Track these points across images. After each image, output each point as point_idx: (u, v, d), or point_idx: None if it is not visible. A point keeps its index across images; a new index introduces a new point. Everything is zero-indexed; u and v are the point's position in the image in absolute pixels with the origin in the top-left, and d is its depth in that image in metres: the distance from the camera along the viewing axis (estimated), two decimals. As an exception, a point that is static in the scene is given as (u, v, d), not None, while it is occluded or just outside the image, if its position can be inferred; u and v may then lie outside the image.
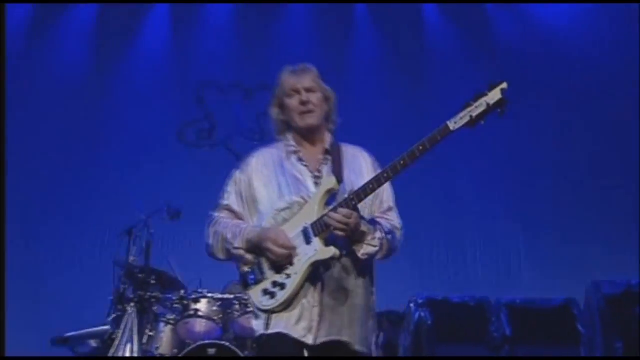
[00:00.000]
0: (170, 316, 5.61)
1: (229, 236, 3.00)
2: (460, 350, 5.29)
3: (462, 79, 7.55)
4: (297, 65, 3.15)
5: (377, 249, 2.91)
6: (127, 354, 5.06)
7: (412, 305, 5.47)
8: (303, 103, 3.02)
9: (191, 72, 8.56)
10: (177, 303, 5.48)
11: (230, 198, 3.12)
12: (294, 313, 2.88)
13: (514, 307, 5.41)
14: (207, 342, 5.26)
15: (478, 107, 2.76)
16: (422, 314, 5.40)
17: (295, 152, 3.07)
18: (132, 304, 5.28)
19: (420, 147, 2.81)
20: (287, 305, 2.89)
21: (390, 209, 3.08)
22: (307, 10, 8.53)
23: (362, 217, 2.89)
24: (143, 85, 8.27)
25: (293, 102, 3.06)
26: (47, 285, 6.87)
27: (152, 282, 5.46)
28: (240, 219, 3.08)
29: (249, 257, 2.97)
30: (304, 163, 3.05)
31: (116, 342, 5.07)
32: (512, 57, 7.55)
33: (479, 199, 7.11)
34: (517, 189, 7.11)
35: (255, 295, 2.96)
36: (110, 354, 5.05)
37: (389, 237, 2.96)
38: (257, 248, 2.94)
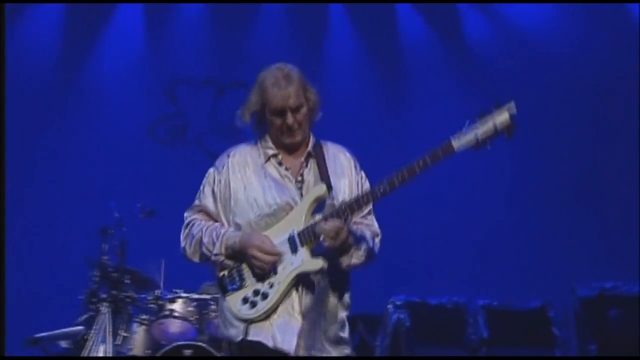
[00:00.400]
0: (144, 317, 5.50)
1: (206, 240, 2.88)
2: (439, 353, 5.32)
3: (438, 78, 7.59)
4: (279, 69, 2.93)
5: (362, 260, 2.86)
6: (101, 355, 4.95)
7: (390, 307, 5.48)
8: (289, 127, 2.87)
9: (164, 68, 8.43)
10: (152, 303, 5.38)
11: (206, 199, 2.99)
12: (276, 323, 2.79)
13: (491, 309, 5.46)
14: (183, 343, 5.16)
15: (484, 128, 2.65)
16: (401, 316, 5.42)
17: (274, 156, 2.95)
18: (106, 304, 5.16)
19: (421, 163, 2.71)
20: (268, 315, 2.79)
21: (370, 213, 2.99)
22: (282, 9, 8.48)
23: (350, 230, 2.82)
24: (115, 81, 8.11)
25: (277, 121, 2.89)
26: (16, 285, 6.69)
27: (127, 282, 5.34)
28: (216, 220, 2.96)
29: (229, 262, 2.87)
30: (285, 167, 2.94)
31: (89, 343, 4.95)
32: (486, 56, 7.61)
33: (458, 201, 7.13)
34: (493, 192, 7.15)
35: (234, 302, 2.84)
36: (83, 355, 4.92)
37: (371, 245, 2.90)
38: (239, 254, 2.83)
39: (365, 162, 3.10)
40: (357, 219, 2.93)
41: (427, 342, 5.37)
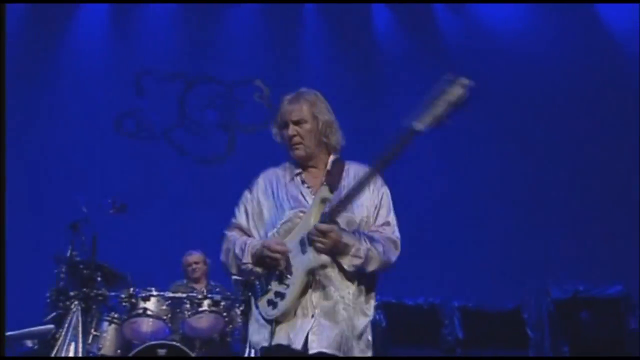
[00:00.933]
0: (115, 315, 5.36)
1: (237, 252, 3.09)
2: (414, 353, 5.32)
3: (411, 75, 7.62)
4: (298, 91, 3.21)
5: (362, 260, 2.93)
6: (71, 354, 4.79)
7: (366, 307, 5.42)
8: (289, 137, 3.11)
9: (130, 61, 8.24)
10: (125, 301, 5.23)
11: (240, 216, 3.21)
12: (292, 323, 2.92)
13: (466, 310, 5.48)
14: (156, 342, 5.05)
15: (442, 105, 2.74)
16: (377, 317, 5.39)
17: (298, 174, 3.16)
18: (76, 302, 4.99)
19: (390, 153, 2.86)
20: (287, 314, 2.92)
21: (386, 224, 3.09)
22: (255, 8, 8.38)
23: (344, 230, 2.93)
24: (80, 74, 7.92)
25: (285, 133, 3.16)
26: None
27: (98, 278, 5.18)
28: (249, 235, 3.17)
29: (258, 270, 3.04)
30: (307, 185, 3.14)
31: (59, 342, 4.78)
32: (458, 54, 7.67)
33: (434, 203, 7.16)
34: (469, 195, 7.21)
35: (262, 306, 3.01)
36: (52, 354, 4.75)
37: (378, 248, 2.97)
38: (260, 259, 3.02)
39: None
40: (372, 229, 3.05)
41: (402, 343, 5.37)
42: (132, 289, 5.28)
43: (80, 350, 4.82)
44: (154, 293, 5.33)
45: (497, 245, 6.91)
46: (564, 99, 7.36)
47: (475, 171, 7.26)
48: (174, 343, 5.07)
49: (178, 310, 5.42)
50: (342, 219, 2.94)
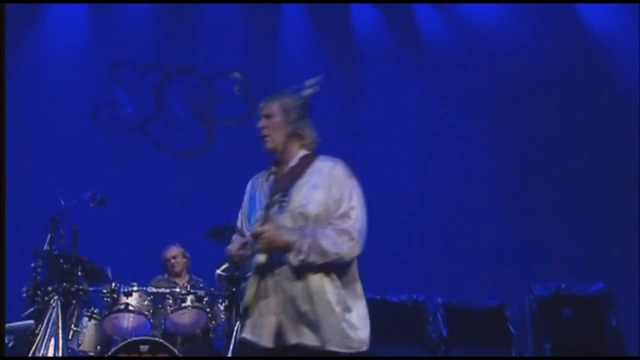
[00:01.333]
0: (94, 310, 5.24)
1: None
2: (398, 350, 5.30)
3: (392, 72, 7.61)
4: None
5: (304, 255, 3.01)
6: (50, 350, 4.68)
7: (350, 303, 5.39)
8: (259, 130, 3.28)
9: (108, 51, 8.08)
10: (107, 296, 5.12)
11: (238, 220, 3.39)
12: (254, 319, 3.08)
13: (450, 307, 5.48)
14: (139, 338, 4.96)
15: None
16: (360, 313, 5.34)
17: (273, 173, 3.29)
18: (56, 297, 4.87)
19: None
20: (249, 310, 3.07)
21: (345, 216, 3.11)
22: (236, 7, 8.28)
23: (286, 227, 3.05)
24: (58, 65, 7.75)
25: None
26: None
27: (79, 273, 5.06)
28: (244, 236, 3.31)
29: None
30: (278, 182, 3.24)
31: (38, 337, 4.66)
32: (439, 52, 7.69)
33: (418, 200, 7.17)
34: (453, 192, 7.22)
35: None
36: (32, 350, 4.63)
37: (325, 241, 3.02)
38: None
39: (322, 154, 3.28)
40: (331, 221, 3.09)
41: (386, 339, 5.33)
42: (113, 284, 5.17)
43: (60, 345, 4.71)
44: (136, 288, 5.22)
45: (480, 242, 6.95)
46: (548, 97, 7.41)
47: (459, 169, 7.27)
48: (157, 339, 4.98)
49: (160, 305, 5.34)
50: (294, 215, 3.07)
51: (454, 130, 7.31)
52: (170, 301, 5.28)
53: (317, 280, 3.04)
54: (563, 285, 5.51)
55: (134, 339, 4.93)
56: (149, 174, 7.65)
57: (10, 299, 5.48)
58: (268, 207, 3.07)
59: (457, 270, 6.65)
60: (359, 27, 8.08)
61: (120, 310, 5.15)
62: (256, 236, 3.00)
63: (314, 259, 3.00)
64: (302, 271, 3.03)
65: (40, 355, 4.63)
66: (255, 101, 8.02)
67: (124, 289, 5.18)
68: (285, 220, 3.07)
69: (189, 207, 7.43)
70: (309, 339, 2.99)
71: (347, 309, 3.07)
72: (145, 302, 5.26)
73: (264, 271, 3.04)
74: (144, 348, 4.87)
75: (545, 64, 7.44)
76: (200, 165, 7.87)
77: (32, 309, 5.02)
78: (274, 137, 3.24)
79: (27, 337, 4.74)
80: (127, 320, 5.19)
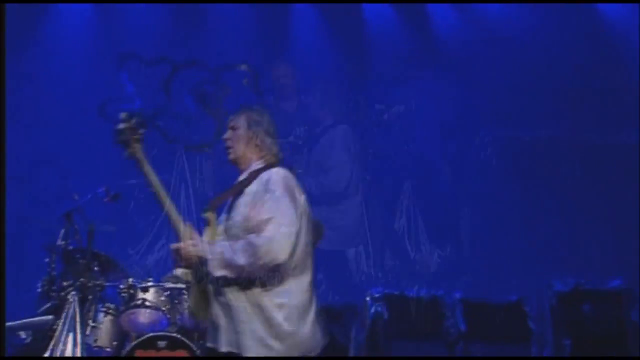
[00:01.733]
0: (110, 305, 5.20)
1: None
2: (416, 346, 5.28)
3: (406, 72, 7.55)
4: None
5: (221, 270, 3.16)
6: (69, 345, 4.64)
7: (368, 299, 5.39)
8: (224, 140, 3.48)
9: (115, 46, 8.01)
10: (124, 292, 5.08)
11: None
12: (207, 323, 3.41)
13: (468, 303, 5.45)
14: (156, 333, 4.92)
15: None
16: (378, 309, 5.34)
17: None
18: (73, 292, 4.82)
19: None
20: (195, 316, 3.50)
21: (259, 228, 3.17)
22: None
23: (205, 242, 3.23)
24: (65, 59, 7.67)
25: None
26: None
27: (95, 268, 5.02)
28: None
29: None
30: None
31: (57, 333, 4.62)
32: (456, 53, 7.62)
33: (437, 195, 7.13)
34: (472, 188, 7.17)
35: None
36: (50, 345, 4.59)
37: (238, 256, 3.13)
38: None
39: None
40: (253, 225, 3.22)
41: (404, 335, 5.32)
42: (131, 280, 5.14)
43: (78, 341, 4.67)
44: (153, 284, 5.19)
45: (499, 238, 6.90)
46: (567, 93, 7.36)
47: (477, 165, 7.23)
48: (175, 334, 4.94)
49: (177, 301, 5.29)
50: (226, 228, 3.29)
51: (470, 128, 7.27)
52: (186, 296, 5.23)
53: (252, 290, 3.18)
54: (583, 281, 5.48)
55: (152, 334, 4.90)
56: (158, 168, 7.58)
57: (26, 295, 5.48)
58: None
59: (476, 266, 6.61)
60: (370, 24, 8.01)
61: (137, 306, 5.11)
62: (175, 251, 3.23)
63: (222, 273, 3.16)
64: (232, 283, 3.19)
65: (59, 350, 4.58)
66: (265, 95, 8.03)
67: (141, 284, 5.12)
68: (219, 234, 3.28)
69: (198, 201, 7.41)
70: (231, 347, 3.19)
71: (267, 316, 3.18)
72: (162, 298, 5.21)
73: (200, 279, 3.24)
74: (161, 344, 4.84)
75: (562, 62, 7.38)
76: (209, 158, 7.82)
77: (48, 304, 4.99)
78: (236, 149, 3.41)
79: (46, 332, 4.71)
80: (144, 316, 5.15)
